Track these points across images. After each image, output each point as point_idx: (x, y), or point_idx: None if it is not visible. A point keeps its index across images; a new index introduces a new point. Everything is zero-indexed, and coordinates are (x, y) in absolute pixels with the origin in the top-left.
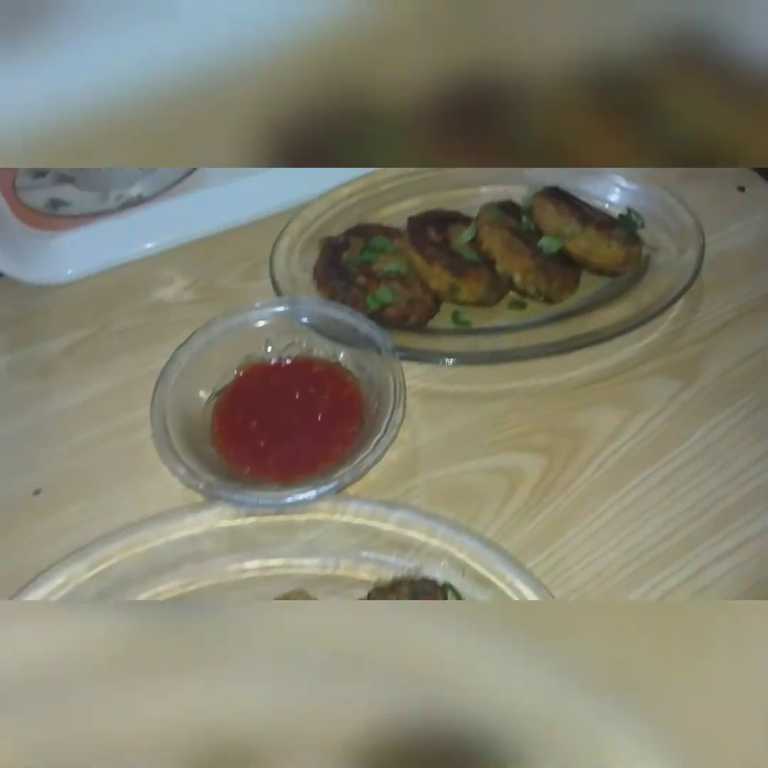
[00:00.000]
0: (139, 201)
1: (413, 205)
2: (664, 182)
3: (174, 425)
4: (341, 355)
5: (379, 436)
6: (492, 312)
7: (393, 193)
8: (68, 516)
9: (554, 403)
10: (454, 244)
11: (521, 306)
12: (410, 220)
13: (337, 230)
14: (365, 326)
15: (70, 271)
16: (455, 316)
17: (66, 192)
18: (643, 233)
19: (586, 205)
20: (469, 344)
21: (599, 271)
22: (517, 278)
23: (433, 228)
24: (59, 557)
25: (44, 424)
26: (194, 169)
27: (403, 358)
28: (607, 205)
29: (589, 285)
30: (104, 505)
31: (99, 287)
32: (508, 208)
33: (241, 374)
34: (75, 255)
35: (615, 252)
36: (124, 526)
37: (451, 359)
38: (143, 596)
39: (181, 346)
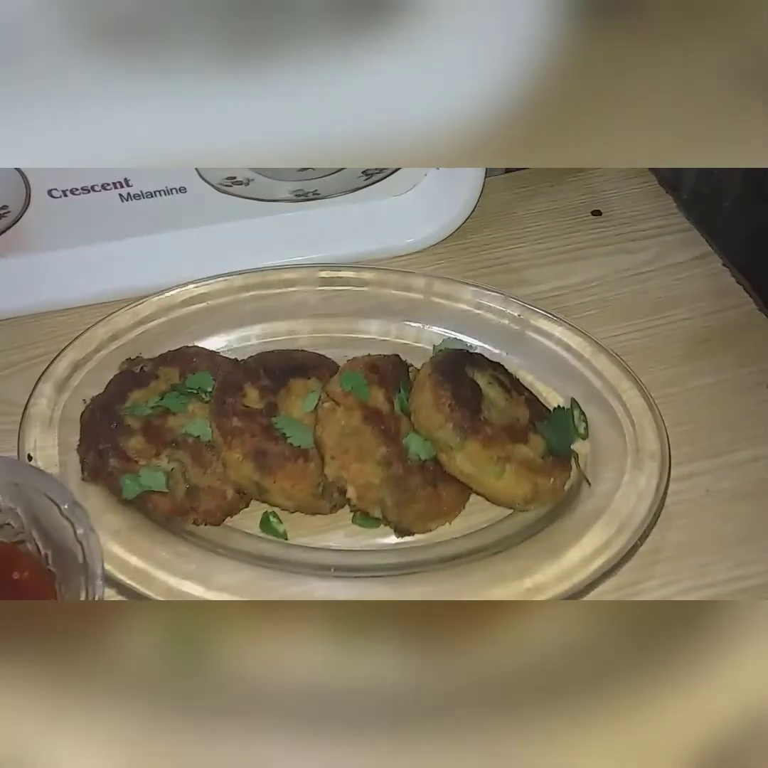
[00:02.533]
0: None
1: (280, 331)
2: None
3: None
4: (52, 560)
5: None
6: (328, 523)
7: (255, 305)
8: None
9: None
10: (284, 414)
11: (369, 523)
12: (233, 364)
13: (154, 350)
14: (82, 532)
15: None
16: (265, 521)
17: None
18: (585, 449)
19: (512, 387)
20: (264, 579)
21: (494, 501)
22: (352, 493)
23: (261, 383)
24: None
25: None
26: None
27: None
28: (549, 389)
29: (484, 511)
30: None
31: None
32: (384, 369)
33: None
34: None
35: (510, 484)
36: None
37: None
38: None
39: None
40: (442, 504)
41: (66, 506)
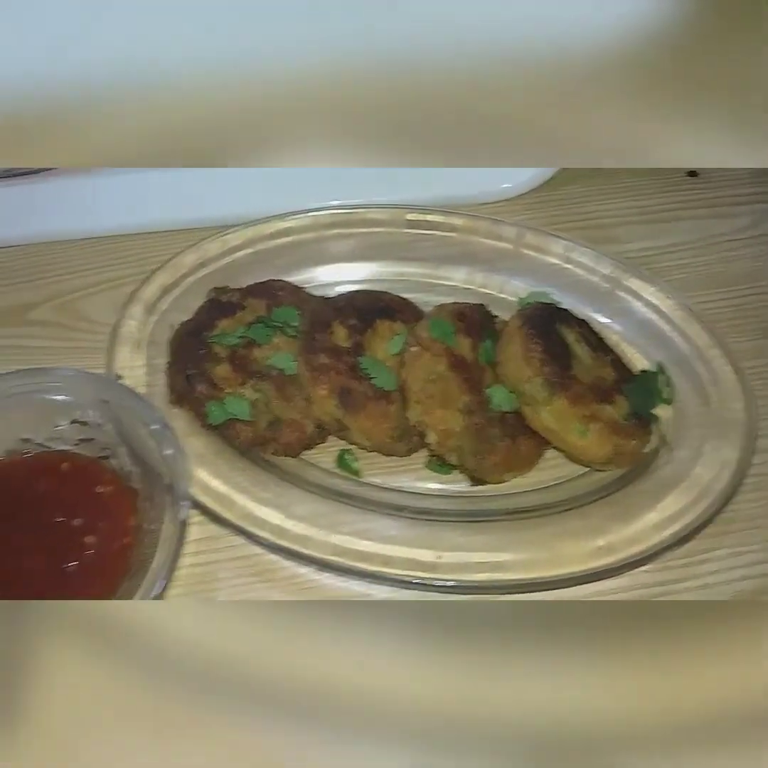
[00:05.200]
0: None
1: (361, 271)
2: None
3: None
4: (136, 477)
5: None
6: (401, 465)
7: (340, 243)
8: None
9: None
10: (369, 354)
11: (442, 469)
12: (322, 301)
13: (240, 280)
14: (171, 451)
15: None
16: (341, 458)
17: None
18: (668, 414)
19: (598, 345)
20: (336, 514)
21: (572, 459)
22: (432, 438)
23: (349, 322)
24: None
25: None
26: None
27: (218, 522)
28: (637, 350)
29: (557, 468)
30: None
31: None
32: (471, 318)
33: (3, 460)
34: None
35: (593, 444)
36: None
37: (290, 549)
38: None
39: None
40: (518, 457)
41: (155, 426)
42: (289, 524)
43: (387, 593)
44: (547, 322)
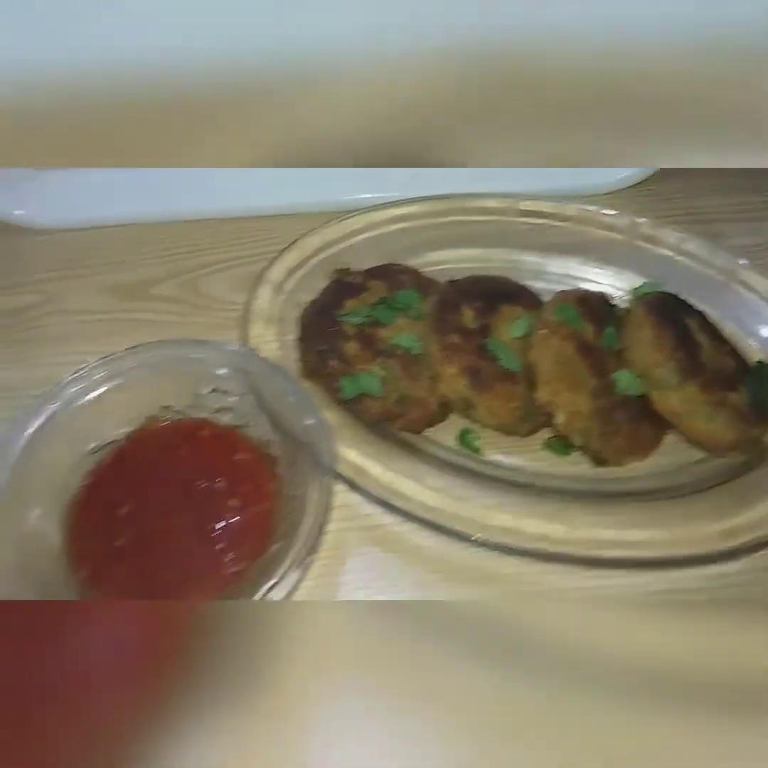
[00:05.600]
0: None
1: (474, 257)
2: None
3: (20, 477)
4: (274, 445)
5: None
6: (519, 445)
7: (454, 230)
8: None
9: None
10: (494, 336)
11: (562, 450)
12: (449, 284)
13: (359, 262)
14: (313, 420)
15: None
16: (463, 435)
17: None
18: None
19: (715, 335)
20: (464, 488)
21: (696, 443)
22: (560, 419)
23: (476, 305)
24: None
25: None
26: None
27: (357, 490)
28: (752, 341)
29: (675, 453)
30: None
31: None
32: (593, 305)
33: (145, 429)
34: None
35: (720, 429)
36: None
37: (427, 519)
38: None
39: (104, 358)
40: (640, 441)
41: (295, 397)
42: (426, 495)
43: (515, 567)
44: (672, 310)
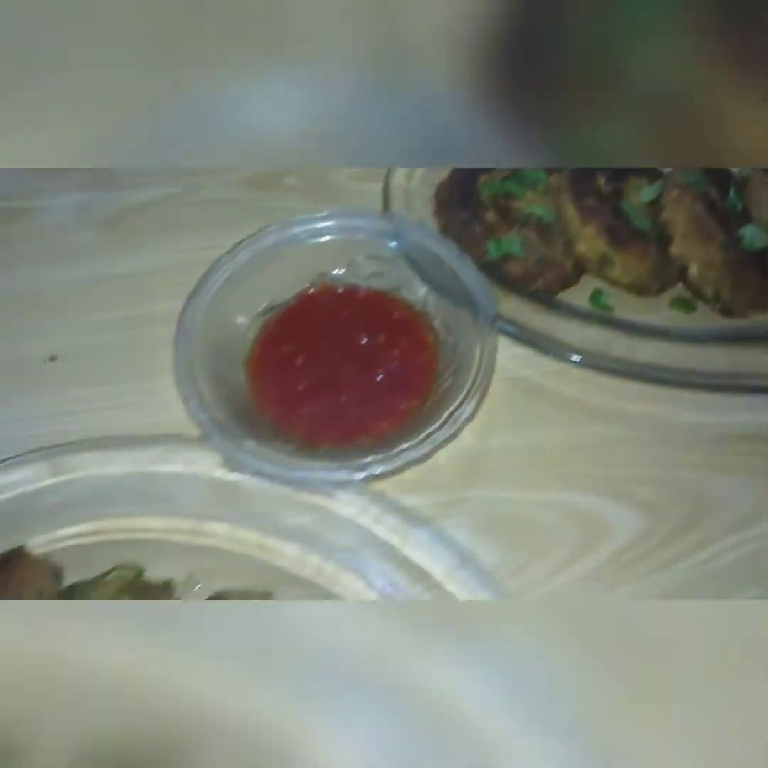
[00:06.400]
0: None
1: None
2: None
3: (205, 334)
4: (431, 304)
5: (434, 428)
6: (646, 304)
7: None
8: (71, 395)
9: (686, 450)
10: (625, 201)
11: (688, 307)
12: None
13: None
14: (470, 278)
15: None
16: (596, 295)
17: None
18: None
19: None
20: (600, 339)
21: None
22: (694, 270)
23: (606, 174)
24: (47, 435)
25: (79, 287)
26: None
27: (506, 333)
28: None
29: None
30: (107, 397)
31: None
32: (716, 171)
33: (308, 293)
34: None
35: None
36: (108, 438)
37: (575, 356)
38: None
39: (246, 239)
40: (764, 292)
41: (450, 256)
42: (572, 338)
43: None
44: None
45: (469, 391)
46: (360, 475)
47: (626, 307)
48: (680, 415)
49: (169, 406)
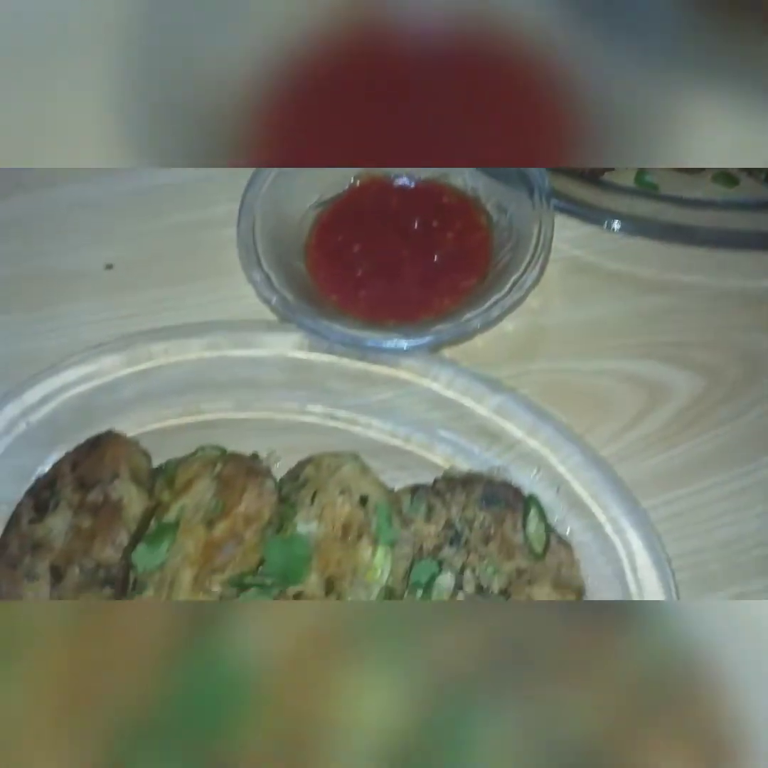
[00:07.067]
0: None
1: None
2: None
3: (263, 228)
4: (480, 188)
5: (499, 295)
6: (690, 180)
7: None
8: (133, 300)
9: (737, 313)
10: None
11: (731, 181)
12: None
13: None
14: None
15: None
16: (640, 176)
17: None
18: None
19: None
20: (648, 211)
21: None
22: None
23: None
24: (119, 334)
25: (134, 196)
26: None
27: (560, 209)
28: None
29: None
30: (172, 298)
31: None
32: None
33: (357, 185)
34: None
35: None
36: (181, 326)
37: (619, 223)
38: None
39: None
40: None
41: None
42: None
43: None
44: None
45: (530, 262)
46: (431, 341)
47: (670, 184)
48: (728, 280)
49: (236, 301)
